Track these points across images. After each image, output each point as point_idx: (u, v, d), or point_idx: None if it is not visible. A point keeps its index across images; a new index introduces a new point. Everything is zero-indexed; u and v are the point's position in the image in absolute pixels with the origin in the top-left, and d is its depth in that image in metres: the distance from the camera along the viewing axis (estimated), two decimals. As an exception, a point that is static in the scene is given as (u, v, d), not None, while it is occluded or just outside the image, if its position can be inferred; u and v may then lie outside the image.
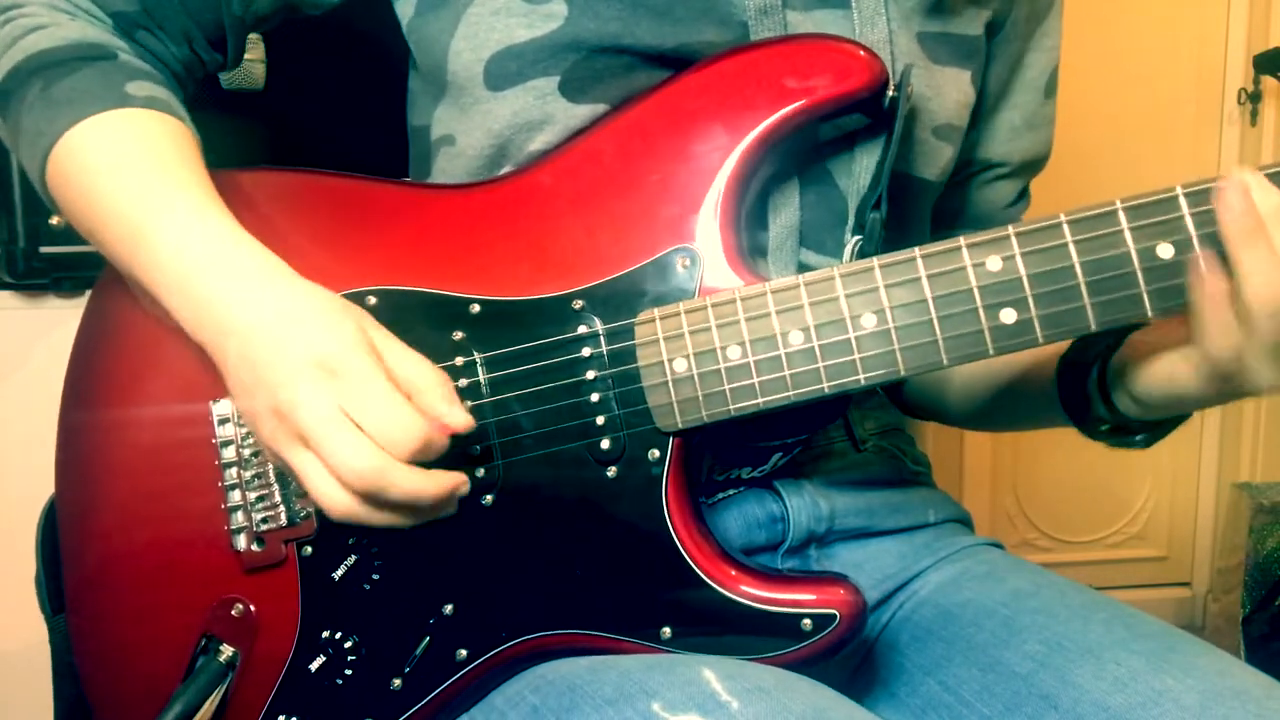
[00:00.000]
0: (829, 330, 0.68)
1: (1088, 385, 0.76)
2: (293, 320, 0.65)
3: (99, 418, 0.77)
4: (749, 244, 0.74)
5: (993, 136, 0.90)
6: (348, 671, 0.74)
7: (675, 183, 0.72)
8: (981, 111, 0.88)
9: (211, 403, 0.75)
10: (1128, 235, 0.64)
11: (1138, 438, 0.77)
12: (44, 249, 1.30)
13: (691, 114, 0.72)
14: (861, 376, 0.68)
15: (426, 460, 0.64)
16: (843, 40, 0.73)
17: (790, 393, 0.68)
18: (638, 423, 0.71)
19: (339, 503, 0.63)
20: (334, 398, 0.63)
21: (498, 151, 0.78)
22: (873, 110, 0.74)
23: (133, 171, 0.70)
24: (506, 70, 0.75)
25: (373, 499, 0.63)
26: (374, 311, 0.73)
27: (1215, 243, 0.62)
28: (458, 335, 0.73)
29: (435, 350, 0.72)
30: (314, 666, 0.74)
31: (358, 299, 0.74)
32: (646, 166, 0.73)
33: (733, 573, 0.71)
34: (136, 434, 0.76)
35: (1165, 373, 0.69)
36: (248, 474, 0.75)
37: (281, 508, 0.74)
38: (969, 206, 0.93)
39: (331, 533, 0.73)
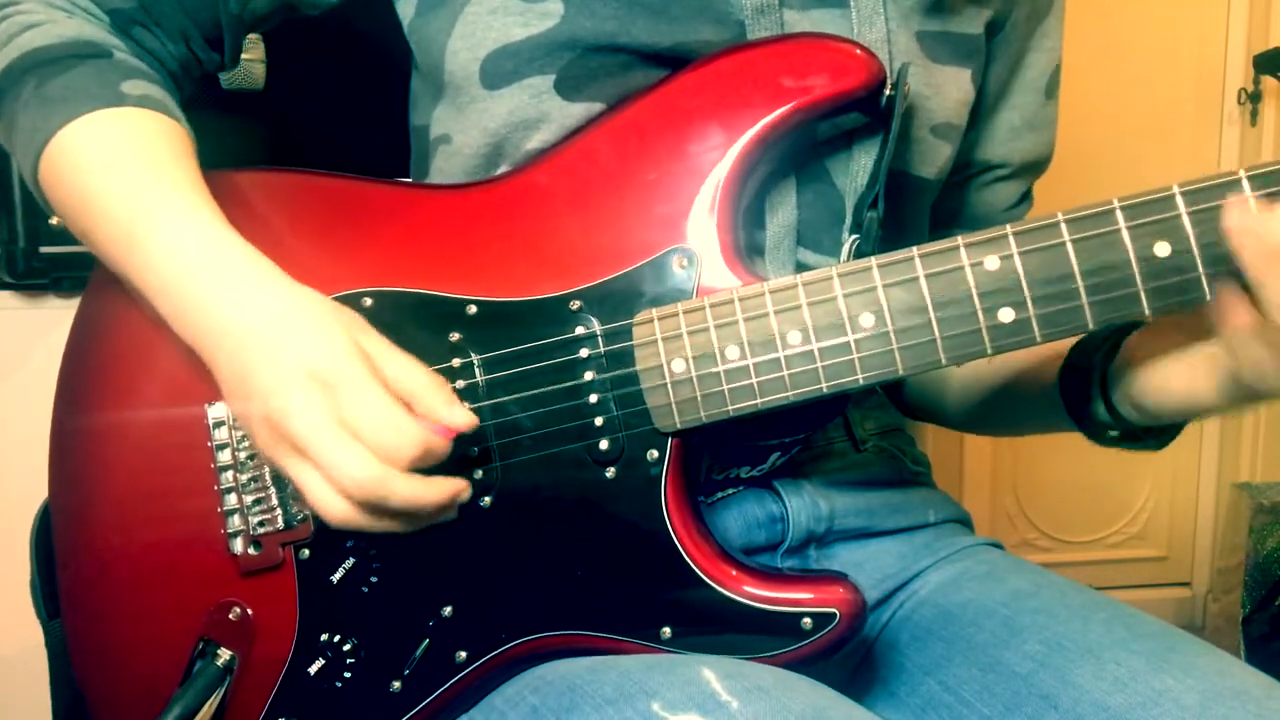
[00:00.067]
0: (827, 330, 0.67)
1: (1090, 392, 0.76)
2: (284, 326, 0.65)
3: (93, 420, 0.77)
4: (746, 243, 0.74)
5: (992, 137, 0.90)
6: (347, 674, 0.74)
7: (672, 182, 0.72)
8: (981, 112, 0.88)
9: (207, 405, 0.75)
10: (1125, 234, 0.64)
11: (1149, 442, 0.77)
12: (44, 249, 1.30)
13: (688, 113, 0.72)
14: (860, 376, 0.67)
15: (427, 466, 0.64)
16: (839, 39, 0.72)
17: (789, 393, 0.68)
18: (636, 423, 0.71)
19: (337, 511, 0.64)
20: (329, 408, 0.63)
21: (494, 150, 0.78)
22: (870, 109, 0.73)
23: (125, 171, 0.70)
24: (503, 69, 0.75)
25: (373, 508, 0.63)
26: (370, 312, 0.73)
27: (1212, 242, 0.62)
28: (455, 336, 0.73)
29: (432, 351, 0.72)
30: (313, 669, 0.74)
31: (354, 300, 0.74)
32: (643, 166, 0.73)
33: (732, 572, 0.71)
34: (131, 437, 0.76)
35: (1182, 390, 0.69)
36: (244, 477, 0.75)
37: (278, 511, 0.74)
38: (968, 208, 0.93)
39: (329, 536, 0.73)
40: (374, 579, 0.74)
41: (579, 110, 0.75)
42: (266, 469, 0.75)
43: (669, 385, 0.70)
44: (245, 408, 0.66)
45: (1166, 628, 0.74)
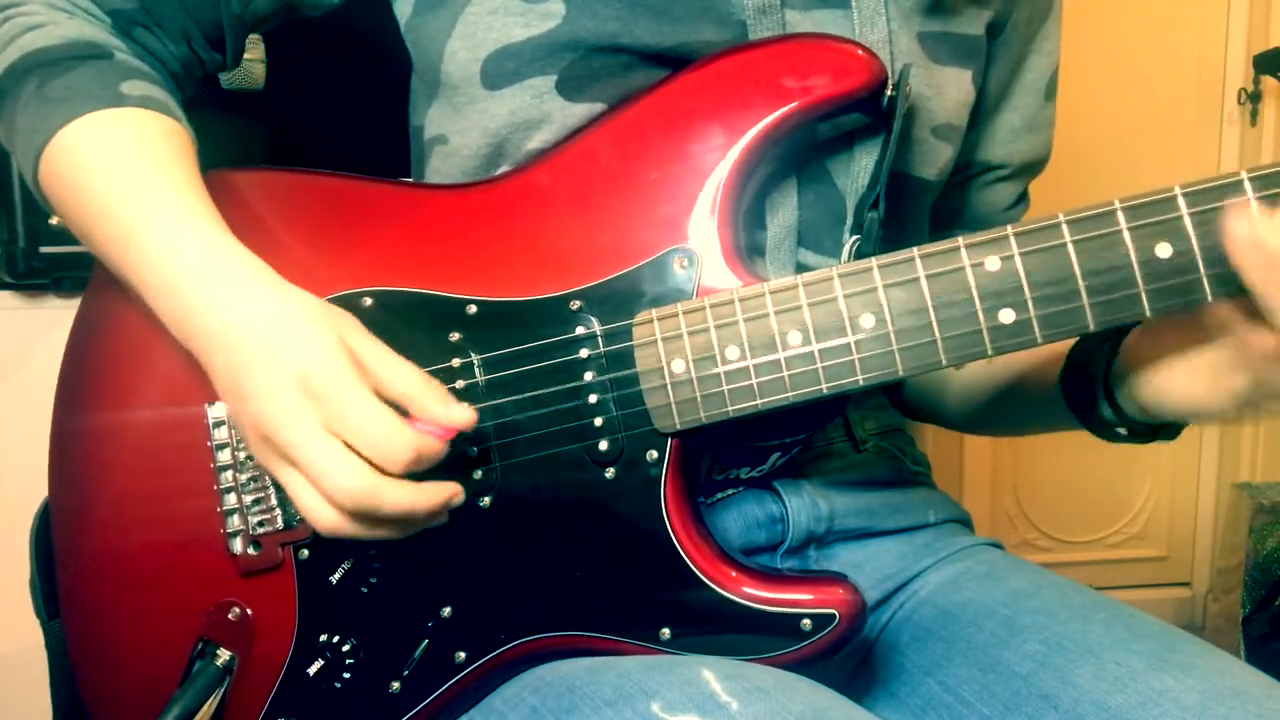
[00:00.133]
0: (827, 331, 0.67)
1: (1094, 392, 0.76)
2: (277, 331, 0.65)
3: (93, 420, 0.77)
4: (747, 244, 0.74)
5: (992, 138, 0.90)
6: (346, 675, 0.74)
7: (673, 182, 0.72)
8: (981, 113, 0.88)
9: (207, 405, 0.75)
10: (1126, 235, 0.64)
11: (1158, 437, 0.76)
12: (44, 249, 1.30)
13: (689, 113, 0.72)
14: (860, 377, 0.67)
15: (420, 470, 0.64)
16: (841, 39, 0.72)
17: (789, 394, 0.68)
18: (636, 424, 0.71)
19: (328, 520, 0.63)
20: (319, 417, 0.62)
21: (494, 151, 0.78)
22: (871, 110, 0.73)
23: (124, 171, 0.70)
24: (504, 69, 0.75)
25: (365, 517, 0.63)
26: (370, 312, 0.73)
27: (1213, 243, 0.62)
28: (455, 336, 0.73)
29: (432, 352, 0.72)
30: (312, 670, 0.74)
31: (354, 299, 0.74)
32: (644, 166, 0.73)
33: (732, 573, 0.71)
34: (131, 437, 0.76)
35: (1182, 394, 0.69)
36: (243, 477, 0.75)
37: (278, 511, 0.74)
38: (968, 208, 0.93)
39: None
40: (373, 579, 0.74)
41: (581, 111, 0.75)
42: (266, 469, 0.75)
43: (669, 386, 0.70)
44: (239, 413, 0.66)
45: (1166, 628, 0.74)
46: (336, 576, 0.74)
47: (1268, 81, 2.45)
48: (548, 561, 0.72)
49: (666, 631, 0.71)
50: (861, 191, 0.77)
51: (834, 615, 0.69)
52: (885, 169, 0.74)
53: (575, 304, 0.72)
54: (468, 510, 0.71)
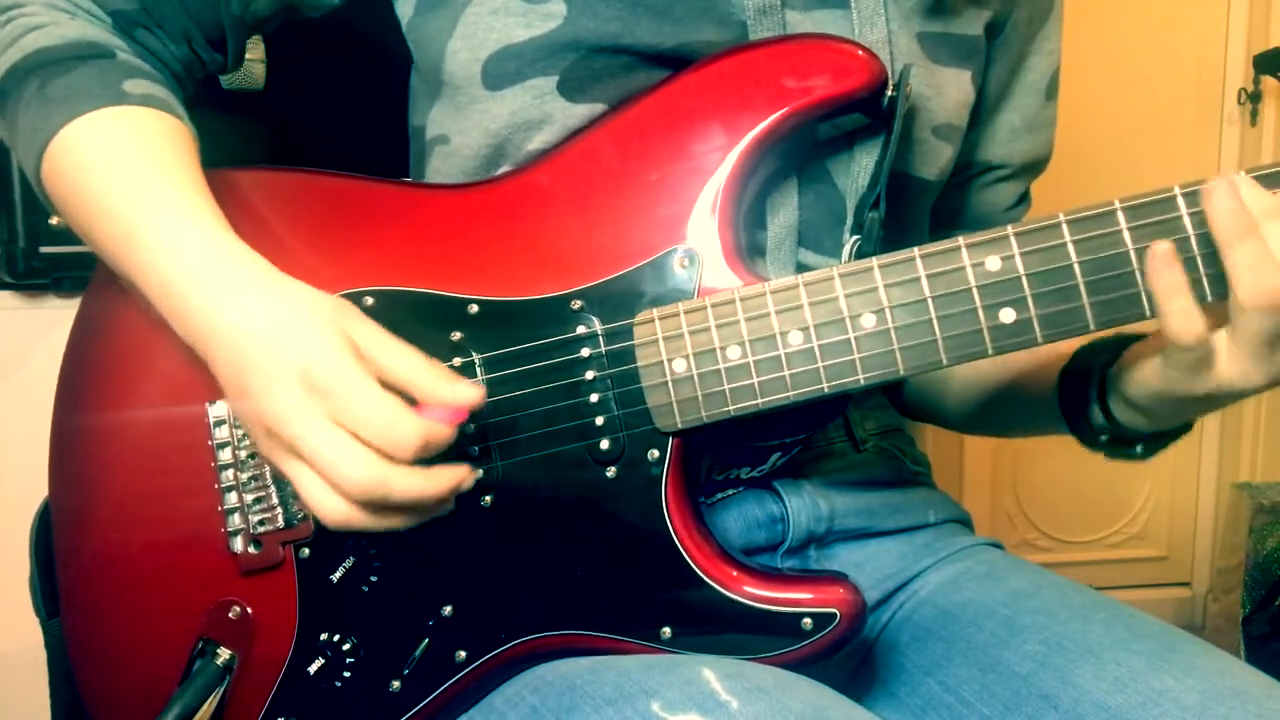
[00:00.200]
0: (828, 330, 0.67)
1: (1088, 394, 0.76)
2: (280, 329, 0.65)
3: (93, 420, 0.77)
4: (747, 244, 0.74)
5: (993, 138, 0.90)
6: (346, 674, 0.74)
7: (674, 182, 0.72)
8: (981, 113, 0.88)
9: (208, 404, 0.75)
10: (1126, 235, 0.64)
11: (1136, 448, 0.77)
12: (44, 249, 1.30)
13: (690, 113, 0.72)
14: (861, 376, 0.67)
15: (429, 456, 0.64)
16: (841, 40, 0.72)
17: (790, 393, 0.68)
18: (637, 423, 0.71)
19: (336, 511, 0.63)
20: (324, 410, 0.62)
21: (495, 151, 0.78)
22: (872, 110, 0.73)
23: (126, 169, 0.70)
24: (505, 70, 0.75)
25: (374, 506, 0.63)
26: (372, 312, 0.73)
27: (1212, 243, 0.62)
28: (456, 336, 0.73)
29: (433, 351, 0.71)
30: (312, 669, 0.74)
31: (355, 300, 0.74)
32: (645, 166, 0.73)
33: (733, 572, 0.71)
34: (132, 436, 0.76)
35: (1142, 371, 0.70)
36: (244, 476, 0.75)
37: (279, 510, 0.74)
38: (968, 208, 0.93)
39: (329, 535, 0.73)
40: (374, 578, 0.74)
41: (582, 111, 0.75)
42: (267, 468, 0.75)
43: (670, 385, 0.70)
44: (243, 409, 0.66)
45: (1166, 628, 0.75)
46: (337, 575, 0.74)
47: (1268, 81, 2.45)
48: (548, 560, 0.72)
49: (667, 631, 0.71)
50: (862, 191, 0.77)
51: (834, 615, 0.69)
52: (885, 169, 0.74)
53: (576, 303, 0.72)
54: (469, 509, 0.71)
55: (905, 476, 0.91)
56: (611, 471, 0.72)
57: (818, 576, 0.73)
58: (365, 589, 0.74)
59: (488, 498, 0.72)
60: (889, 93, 0.72)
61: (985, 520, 2.53)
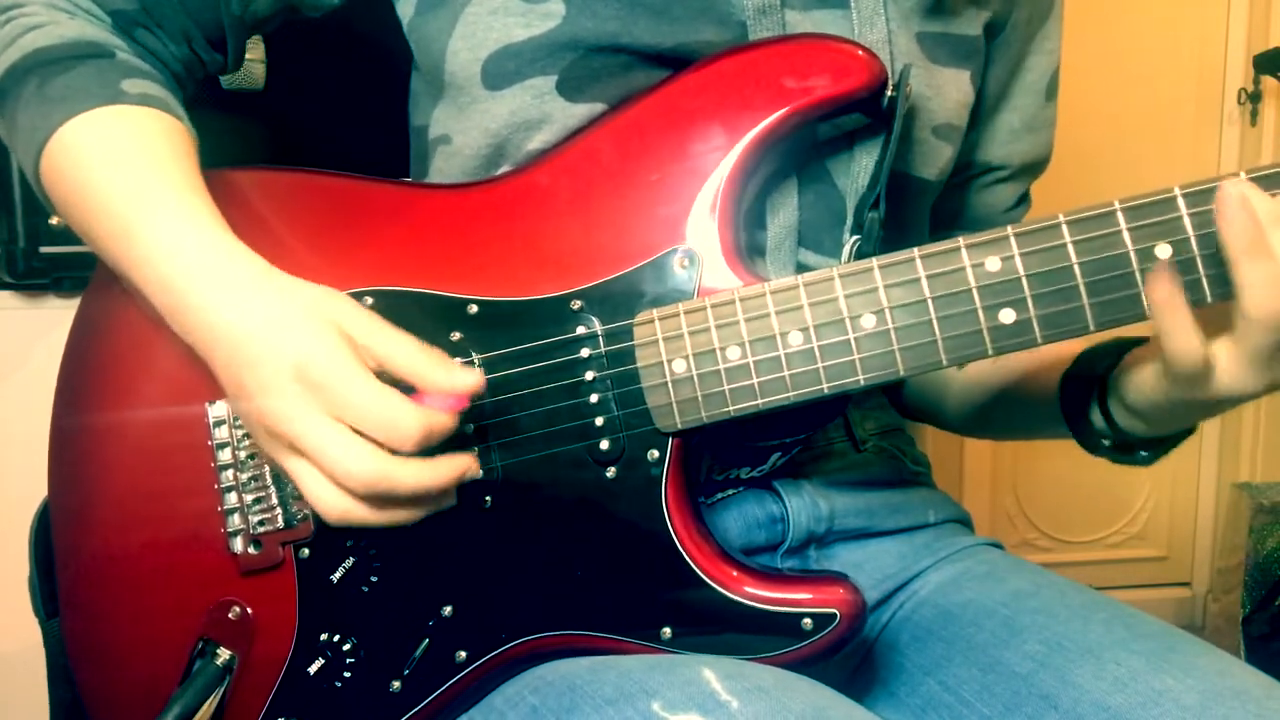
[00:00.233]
0: (828, 330, 0.67)
1: (1089, 399, 0.76)
2: (278, 328, 0.65)
3: (93, 420, 0.77)
4: (747, 244, 0.74)
5: (992, 139, 0.90)
6: (346, 674, 0.74)
7: (673, 182, 0.72)
8: (981, 113, 0.88)
9: (207, 404, 0.75)
10: (1126, 235, 0.64)
11: (1140, 454, 0.76)
12: (44, 249, 1.30)
13: (690, 113, 0.72)
14: (861, 377, 0.67)
15: (432, 446, 0.64)
16: (841, 40, 0.72)
17: (790, 393, 0.68)
18: (637, 423, 0.71)
19: (337, 507, 0.64)
20: (321, 406, 0.63)
21: (495, 151, 0.78)
22: (871, 110, 0.73)
23: (124, 168, 0.70)
24: (504, 69, 0.75)
25: (380, 500, 0.63)
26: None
27: (1213, 244, 0.62)
28: (456, 336, 0.73)
29: (433, 351, 0.72)
30: (312, 669, 0.74)
31: (355, 299, 0.73)
32: (645, 166, 0.73)
33: (733, 573, 0.71)
34: (131, 436, 0.76)
35: (1141, 375, 0.70)
36: (244, 476, 0.75)
37: (278, 510, 0.74)
38: (968, 209, 0.93)
39: (329, 535, 0.73)
40: (374, 578, 0.74)
41: (581, 111, 0.75)
42: (267, 468, 0.75)
43: (670, 385, 0.70)
44: (244, 408, 0.66)
45: (1166, 628, 0.75)
46: (337, 575, 0.74)
47: (1268, 81, 2.45)
48: (548, 561, 0.72)
49: (667, 631, 0.71)
50: (862, 191, 0.77)
51: (834, 615, 0.69)
52: (885, 169, 0.74)
53: (576, 304, 0.72)
54: (469, 509, 0.71)
55: (905, 476, 0.91)
56: (611, 472, 0.72)
57: (818, 577, 0.73)
58: (365, 589, 0.74)
59: (488, 498, 0.72)
60: (889, 93, 0.72)
61: (985, 520, 2.53)
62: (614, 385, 0.71)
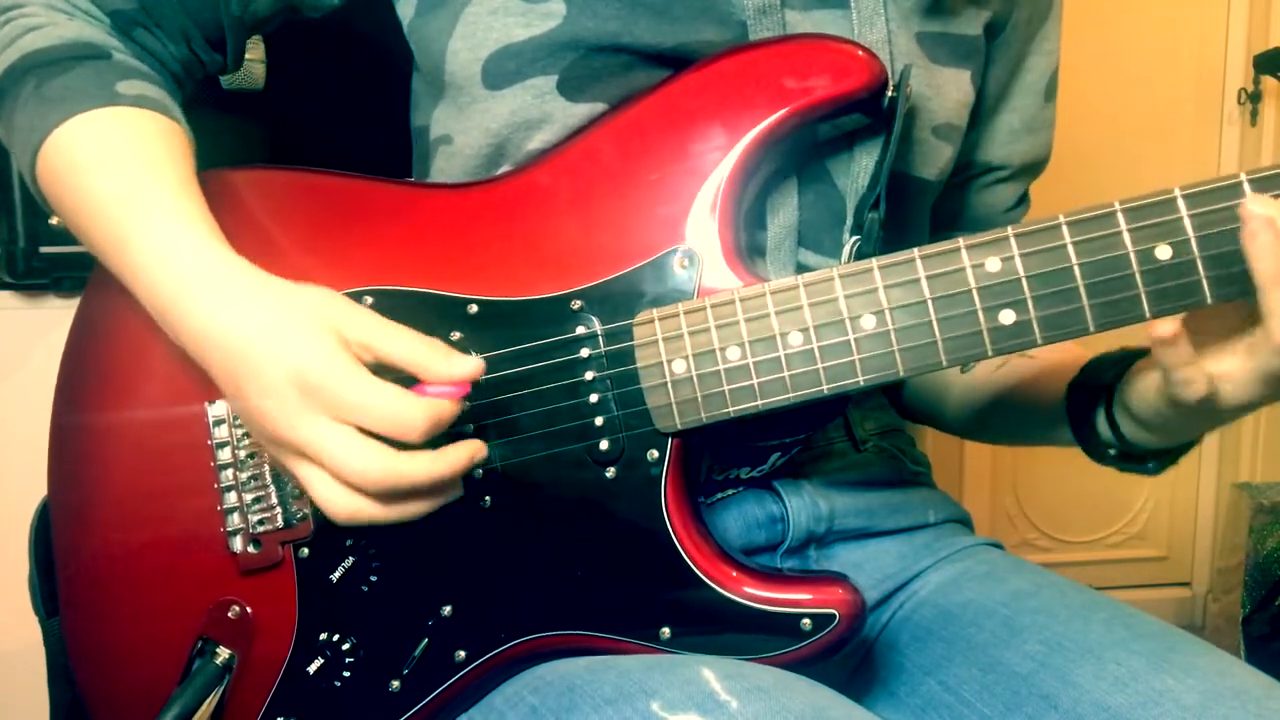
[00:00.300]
0: (828, 331, 0.67)
1: (1094, 408, 0.76)
2: (273, 335, 0.65)
3: (93, 419, 0.77)
4: (747, 244, 0.74)
5: (992, 139, 0.90)
6: (346, 673, 0.74)
7: (673, 182, 0.72)
8: (981, 114, 0.88)
9: (207, 404, 0.75)
10: (1126, 237, 0.64)
11: (1148, 465, 0.76)
12: (44, 249, 1.30)
13: (690, 113, 0.72)
14: (861, 378, 0.67)
15: (438, 434, 0.64)
16: (841, 40, 0.72)
17: (790, 394, 0.68)
18: (636, 424, 0.71)
19: (346, 508, 0.64)
20: (323, 409, 0.63)
21: (496, 151, 0.78)
22: (872, 110, 0.73)
23: (119, 171, 0.71)
24: (505, 69, 0.75)
25: (390, 495, 0.64)
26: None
27: (1213, 245, 0.62)
28: (455, 335, 0.73)
29: (433, 351, 0.72)
30: (312, 668, 0.74)
31: (355, 299, 0.73)
32: (645, 166, 0.73)
33: (732, 573, 0.71)
34: (131, 435, 0.76)
35: (1144, 384, 0.70)
36: (244, 475, 0.75)
37: (278, 509, 0.74)
38: (968, 209, 0.93)
39: (329, 534, 0.73)
40: (373, 578, 0.74)
41: (582, 111, 0.75)
42: (266, 467, 0.75)
43: (669, 385, 0.70)
44: (245, 415, 0.67)
45: (1166, 628, 0.75)
46: (337, 575, 0.74)
47: (1268, 81, 2.45)
48: (548, 561, 0.72)
49: (666, 631, 0.71)
50: (862, 192, 0.77)
51: (834, 615, 0.69)
52: (885, 169, 0.74)
53: (576, 303, 0.72)
54: (468, 509, 0.71)
55: (905, 476, 0.91)
56: (611, 472, 0.72)
57: (817, 577, 0.73)
58: (365, 589, 0.74)
59: (487, 498, 0.72)
60: (889, 93, 0.72)
61: (985, 520, 2.53)
62: (614, 385, 0.71)
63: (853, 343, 0.67)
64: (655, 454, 0.71)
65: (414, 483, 0.64)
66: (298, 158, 0.85)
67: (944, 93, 0.80)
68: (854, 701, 0.67)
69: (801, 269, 0.77)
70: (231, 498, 0.75)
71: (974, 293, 0.66)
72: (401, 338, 0.66)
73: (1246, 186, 0.62)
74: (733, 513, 0.81)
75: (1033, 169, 0.93)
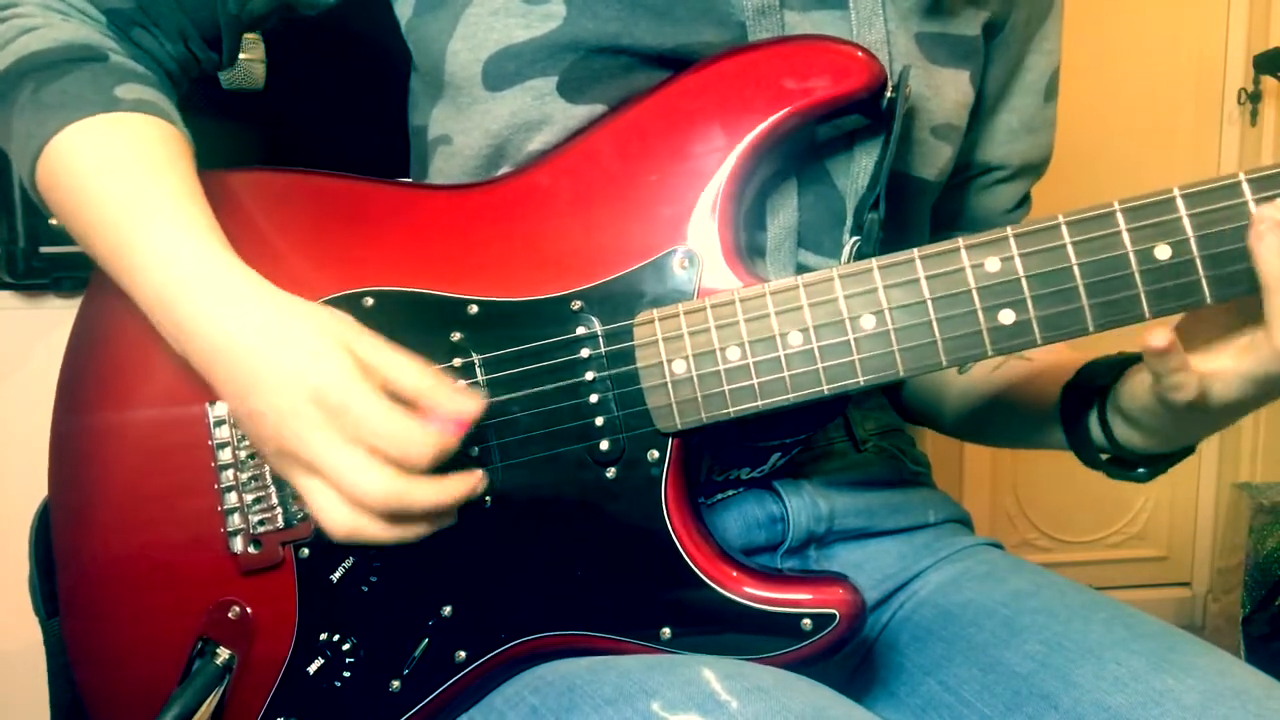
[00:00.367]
0: (828, 331, 0.67)
1: (1087, 409, 0.76)
2: (280, 344, 0.65)
3: (94, 420, 0.77)
4: (747, 244, 0.74)
5: (991, 139, 0.90)
6: (346, 674, 0.74)
7: (673, 183, 0.72)
8: (980, 113, 0.88)
9: (208, 404, 0.75)
10: (1125, 236, 0.64)
11: (1139, 470, 0.77)
12: (44, 249, 1.30)
13: (690, 114, 0.72)
14: (861, 378, 0.67)
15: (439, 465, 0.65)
16: (840, 41, 0.72)
17: (790, 394, 0.68)
18: (637, 424, 0.71)
19: (345, 524, 0.65)
20: (338, 429, 0.64)
21: (496, 152, 0.78)
22: (871, 111, 0.73)
23: (120, 176, 0.70)
24: (505, 70, 0.75)
25: (391, 518, 0.65)
26: (371, 312, 0.73)
27: (1212, 244, 0.62)
28: (456, 336, 0.73)
29: (433, 351, 0.72)
30: (312, 669, 0.74)
31: (355, 300, 0.74)
32: (645, 167, 0.73)
33: (732, 573, 0.71)
34: (132, 436, 0.76)
35: (1135, 381, 0.70)
36: (244, 476, 0.75)
37: (278, 510, 0.74)
38: (968, 210, 0.93)
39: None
40: (373, 578, 0.74)
41: (582, 112, 0.75)
42: (267, 468, 0.75)
43: (669, 385, 0.70)
44: (246, 422, 0.67)
45: (1166, 628, 0.75)
46: (337, 575, 0.74)
47: (1268, 81, 2.45)
48: (548, 561, 0.72)
49: (667, 631, 0.71)
50: (861, 192, 0.77)
51: (834, 615, 0.69)
52: (885, 170, 0.74)
53: (576, 304, 0.72)
54: (469, 510, 0.71)
55: (905, 476, 0.91)
56: (611, 472, 0.72)
57: (817, 577, 0.73)
58: (365, 589, 0.74)
59: (488, 498, 0.72)
60: (888, 93, 0.72)
61: (985, 520, 2.53)
62: (614, 386, 0.71)
63: (852, 343, 0.67)
64: (655, 454, 0.71)
65: (418, 507, 0.65)
66: (297, 158, 0.86)
67: (943, 93, 0.80)
68: (854, 701, 0.67)
69: (801, 269, 0.77)
70: (232, 498, 0.75)
71: (973, 293, 0.66)
72: (409, 366, 0.67)
73: (1246, 186, 0.62)
74: (733, 513, 0.81)
75: (1033, 170, 0.93)
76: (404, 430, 0.64)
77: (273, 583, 0.74)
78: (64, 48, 0.74)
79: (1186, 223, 0.63)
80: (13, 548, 0.85)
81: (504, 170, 0.79)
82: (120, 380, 0.77)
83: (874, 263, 0.67)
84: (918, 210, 0.85)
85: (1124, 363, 0.74)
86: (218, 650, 0.74)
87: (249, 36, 0.96)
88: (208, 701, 0.73)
